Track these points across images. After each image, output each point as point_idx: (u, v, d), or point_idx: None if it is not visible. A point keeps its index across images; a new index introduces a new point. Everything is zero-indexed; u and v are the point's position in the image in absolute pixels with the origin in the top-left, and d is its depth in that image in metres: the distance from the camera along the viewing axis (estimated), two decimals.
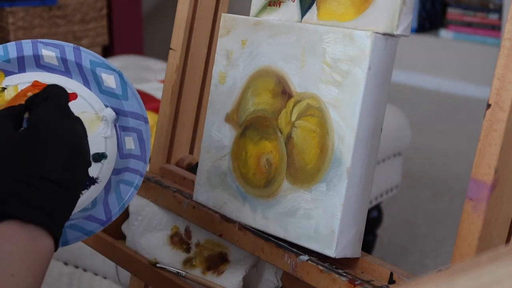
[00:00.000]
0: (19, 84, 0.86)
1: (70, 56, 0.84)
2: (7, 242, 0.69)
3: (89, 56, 0.84)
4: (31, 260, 0.69)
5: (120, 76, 0.83)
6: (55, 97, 0.76)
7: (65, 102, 0.77)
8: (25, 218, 0.69)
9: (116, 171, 0.82)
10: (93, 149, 0.79)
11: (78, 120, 0.76)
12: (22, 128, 0.74)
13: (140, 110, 0.82)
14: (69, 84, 0.84)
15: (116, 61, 2.59)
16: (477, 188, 0.69)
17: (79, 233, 0.81)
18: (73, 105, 0.80)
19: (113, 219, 0.81)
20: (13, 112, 0.76)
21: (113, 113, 0.82)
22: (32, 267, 0.68)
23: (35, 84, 0.85)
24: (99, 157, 0.82)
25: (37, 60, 0.85)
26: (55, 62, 0.85)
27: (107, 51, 3.30)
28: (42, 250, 0.70)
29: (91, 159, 0.76)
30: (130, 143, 0.82)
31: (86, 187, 0.81)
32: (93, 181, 0.82)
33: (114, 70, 0.83)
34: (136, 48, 3.39)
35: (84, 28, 3.15)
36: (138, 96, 0.83)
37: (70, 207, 0.73)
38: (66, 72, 0.85)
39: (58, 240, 0.71)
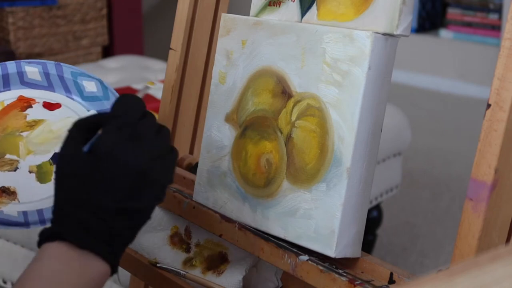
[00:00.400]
0: (4, 100, 0.91)
1: (52, 70, 0.91)
2: (58, 262, 0.68)
3: (70, 69, 0.91)
4: (81, 284, 0.68)
5: (100, 82, 0.90)
6: (124, 116, 0.72)
7: (135, 118, 0.72)
8: (79, 244, 0.68)
9: None
10: None
11: (149, 136, 0.72)
12: (87, 150, 0.72)
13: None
14: (53, 96, 0.90)
15: (116, 61, 2.59)
16: (477, 188, 0.69)
17: None
18: (57, 113, 0.88)
19: None
20: (84, 127, 0.73)
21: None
22: None
23: (21, 98, 0.90)
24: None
25: (21, 77, 0.91)
26: (38, 77, 0.91)
27: (107, 51, 3.30)
28: (94, 276, 0.69)
29: (161, 183, 0.73)
30: None
31: None
32: None
33: (93, 77, 0.90)
34: (136, 48, 3.39)
35: (84, 28, 3.15)
36: (118, 95, 0.88)
37: (131, 233, 0.71)
38: (49, 86, 0.91)
39: (115, 266, 0.71)
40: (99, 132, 0.72)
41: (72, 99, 0.91)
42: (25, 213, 0.83)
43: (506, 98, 0.68)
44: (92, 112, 0.88)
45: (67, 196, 0.70)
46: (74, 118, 0.87)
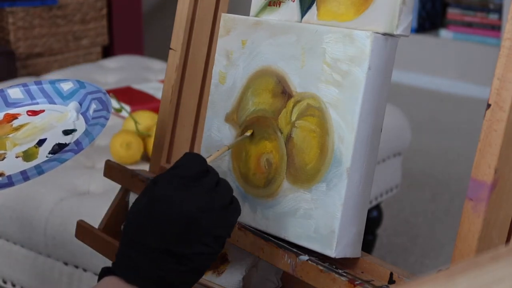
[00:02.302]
0: None
1: (32, 85, 0.99)
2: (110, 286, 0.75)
3: (48, 80, 0.99)
4: None
5: (77, 80, 0.98)
6: (182, 167, 0.76)
7: (193, 171, 0.76)
8: (127, 279, 0.74)
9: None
10: (64, 128, 0.92)
11: (210, 192, 0.76)
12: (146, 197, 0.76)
13: (97, 88, 0.96)
14: (37, 107, 0.98)
15: (116, 61, 2.59)
16: (477, 188, 0.69)
17: (54, 162, 0.86)
18: (41, 115, 0.96)
19: (84, 148, 0.88)
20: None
21: (77, 104, 0.95)
22: None
23: (7, 115, 0.98)
24: (70, 131, 0.92)
25: (5, 100, 0.99)
26: (21, 95, 0.99)
27: (107, 51, 3.30)
28: None
29: (212, 234, 0.75)
30: (93, 106, 0.94)
31: (60, 149, 0.89)
32: (65, 145, 0.89)
33: (69, 79, 0.99)
34: (136, 48, 3.39)
35: (84, 28, 3.15)
36: (95, 84, 0.97)
37: (180, 279, 0.75)
38: (32, 100, 0.99)
39: None
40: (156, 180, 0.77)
41: (54, 103, 0.98)
42: (9, 176, 0.86)
43: (506, 98, 0.68)
44: (73, 103, 0.95)
45: (126, 240, 0.76)
46: (56, 113, 0.95)
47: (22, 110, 0.98)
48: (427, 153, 3.09)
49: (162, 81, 2.15)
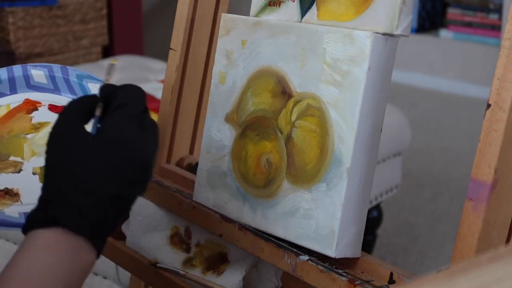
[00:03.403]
0: (11, 103, 0.91)
1: (58, 73, 0.91)
2: (52, 254, 0.65)
3: (75, 71, 0.91)
4: (72, 276, 0.66)
5: None
6: (132, 105, 0.72)
7: (142, 108, 0.72)
8: (77, 230, 0.66)
9: None
10: None
11: (152, 129, 0.72)
12: (92, 133, 0.70)
13: None
14: (59, 99, 0.91)
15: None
16: (477, 188, 0.69)
17: None
18: None
19: None
20: (86, 106, 0.72)
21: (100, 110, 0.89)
22: (69, 280, 0.66)
23: (27, 101, 0.90)
24: None
25: (27, 80, 0.91)
26: (44, 80, 0.91)
27: (107, 51, 3.30)
28: (83, 264, 0.67)
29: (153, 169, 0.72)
30: None
31: None
32: None
33: (99, 80, 0.90)
34: (136, 48, 3.39)
35: (84, 28, 3.15)
36: None
37: (118, 221, 0.70)
38: (55, 89, 0.91)
39: (99, 253, 0.69)
40: (97, 114, 0.72)
41: None
42: (26, 214, 0.83)
43: (506, 98, 0.68)
44: (96, 117, 0.88)
45: (65, 177, 0.67)
46: None
47: (43, 98, 0.91)
48: (427, 153, 3.09)
49: (162, 81, 2.15)
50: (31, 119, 0.90)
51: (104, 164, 0.67)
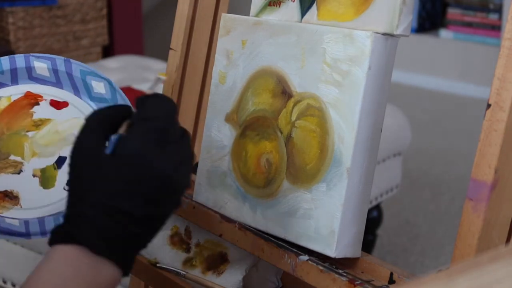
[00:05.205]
0: (12, 95, 0.88)
1: (61, 67, 0.89)
2: (70, 269, 0.65)
3: (79, 67, 0.89)
4: None
5: (109, 83, 0.88)
6: (156, 119, 0.69)
7: (167, 123, 0.69)
8: (95, 250, 0.65)
9: None
10: None
11: (180, 145, 0.69)
12: (109, 150, 0.68)
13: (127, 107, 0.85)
14: (60, 93, 0.89)
15: (116, 61, 2.59)
16: (477, 188, 0.69)
17: None
18: (64, 112, 0.86)
19: None
20: (104, 120, 0.70)
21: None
22: None
23: (28, 94, 0.88)
24: None
25: (30, 72, 0.88)
26: (47, 74, 0.89)
27: (107, 51, 3.30)
28: (105, 280, 0.66)
29: (182, 190, 0.69)
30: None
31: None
32: None
33: (103, 78, 0.88)
34: (136, 48, 3.39)
35: (84, 28, 3.15)
36: (128, 100, 0.87)
37: (147, 240, 0.69)
38: (57, 83, 0.89)
39: (127, 271, 0.68)
40: (121, 131, 0.70)
41: (80, 98, 0.89)
42: (26, 223, 0.82)
43: (506, 98, 0.68)
44: None
45: (84, 195, 0.67)
46: (80, 119, 0.86)
47: (45, 91, 0.89)
48: (427, 153, 3.09)
49: (162, 81, 2.15)
50: (32, 114, 0.88)
51: (121, 181, 0.66)
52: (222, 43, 0.91)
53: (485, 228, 0.69)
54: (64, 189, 0.84)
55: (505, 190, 0.70)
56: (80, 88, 0.89)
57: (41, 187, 0.85)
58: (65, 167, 0.84)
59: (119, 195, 0.66)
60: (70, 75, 0.89)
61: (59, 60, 0.89)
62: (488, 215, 0.69)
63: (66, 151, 0.85)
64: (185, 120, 1.04)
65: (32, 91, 0.89)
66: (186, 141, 0.71)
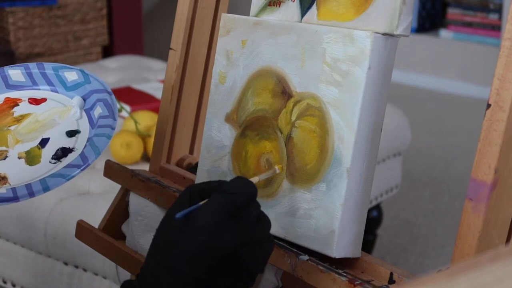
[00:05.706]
0: None
1: (34, 69, 0.95)
2: None
3: (51, 65, 0.95)
4: None
5: (82, 71, 0.94)
6: (232, 196, 0.73)
7: (244, 201, 0.73)
8: None
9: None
10: (67, 128, 0.89)
11: (253, 226, 0.73)
12: (181, 215, 0.73)
13: (103, 86, 0.93)
14: (38, 93, 0.95)
15: (116, 61, 2.59)
16: (477, 188, 0.69)
17: (59, 178, 0.84)
18: (44, 106, 0.92)
19: (90, 163, 0.85)
20: (196, 195, 0.76)
21: (80, 99, 0.92)
22: None
23: (7, 100, 0.94)
24: (74, 132, 0.89)
25: (6, 81, 0.95)
26: (22, 78, 0.95)
27: (107, 51, 3.30)
28: None
29: (249, 269, 0.74)
30: (99, 110, 0.91)
31: (64, 155, 0.87)
32: (70, 150, 0.87)
33: (74, 68, 0.95)
34: (136, 48, 3.39)
35: (84, 28, 3.15)
36: (101, 79, 0.93)
37: None
38: (34, 85, 0.95)
39: None
40: (200, 203, 0.74)
41: (57, 92, 0.94)
42: (13, 189, 0.84)
43: (506, 98, 0.68)
44: (76, 98, 0.92)
45: (155, 256, 0.73)
46: (58, 108, 0.92)
47: (23, 94, 0.94)
48: (427, 153, 3.09)
49: (162, 81, 2.15)
50: (13, 113, 0.92)
51: (185, 247, 0.71)
52: (222, 43, 0.91)
53: (485, 228, 0.69)
54: (50, 162, 0.86)
55: (505, 190, 0.70)
56: (55, 83, 0.94)
57: (27, 165, 0.87)
58: (49, 147, 0.87)
59: (183, 259, 0.71)
60: (44, 74, 0.95)
61: (32, 65, 0.95)
62: (488, 215, 0.69)
63: (49, 134, 0.89)
64: (185, 120, 1.04)
65: (10, 97, 0.94)
66: (262, 226, 0.74)
